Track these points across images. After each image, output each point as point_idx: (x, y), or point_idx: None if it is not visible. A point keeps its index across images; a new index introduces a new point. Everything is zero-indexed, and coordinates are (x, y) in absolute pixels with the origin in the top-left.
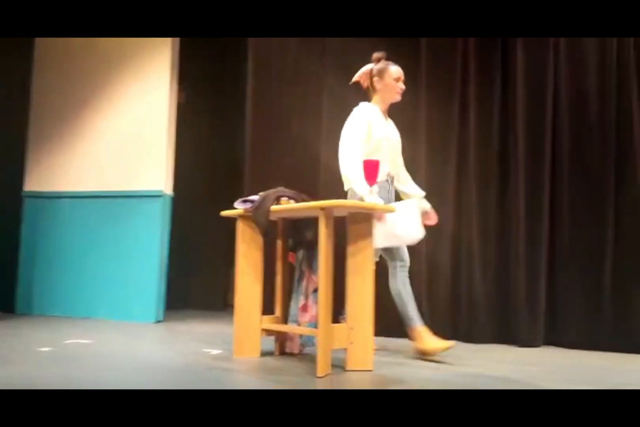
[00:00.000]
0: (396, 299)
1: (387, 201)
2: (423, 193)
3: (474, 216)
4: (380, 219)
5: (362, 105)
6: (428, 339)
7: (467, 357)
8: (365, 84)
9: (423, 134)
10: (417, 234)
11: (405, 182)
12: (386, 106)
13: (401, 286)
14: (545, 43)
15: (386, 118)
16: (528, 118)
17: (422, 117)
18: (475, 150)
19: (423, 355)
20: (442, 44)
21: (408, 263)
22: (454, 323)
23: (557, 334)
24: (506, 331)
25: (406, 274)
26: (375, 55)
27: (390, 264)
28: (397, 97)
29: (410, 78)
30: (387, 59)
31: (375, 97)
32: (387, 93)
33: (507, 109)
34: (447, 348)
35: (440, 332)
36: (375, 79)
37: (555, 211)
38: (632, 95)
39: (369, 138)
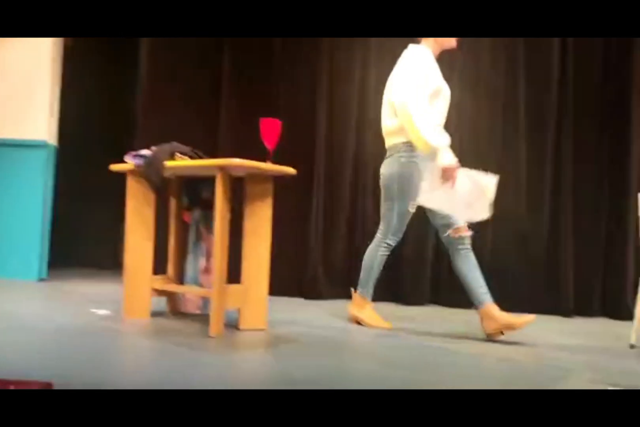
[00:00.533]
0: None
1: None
2: None
3: None
4: (449, 178)
5: (415, 49)
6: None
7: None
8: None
9: None
10: (482, 212)
11: None
12: (439, 52)
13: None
14: None
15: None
16: None
17: None
18: None
19: (506, 329)
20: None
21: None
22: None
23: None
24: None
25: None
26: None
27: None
28: (454, 43)
29: None
30: None
31: (428, 40)
32: (446, 41)
33: None
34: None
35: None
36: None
37: None
38: None
39: (426, 86)
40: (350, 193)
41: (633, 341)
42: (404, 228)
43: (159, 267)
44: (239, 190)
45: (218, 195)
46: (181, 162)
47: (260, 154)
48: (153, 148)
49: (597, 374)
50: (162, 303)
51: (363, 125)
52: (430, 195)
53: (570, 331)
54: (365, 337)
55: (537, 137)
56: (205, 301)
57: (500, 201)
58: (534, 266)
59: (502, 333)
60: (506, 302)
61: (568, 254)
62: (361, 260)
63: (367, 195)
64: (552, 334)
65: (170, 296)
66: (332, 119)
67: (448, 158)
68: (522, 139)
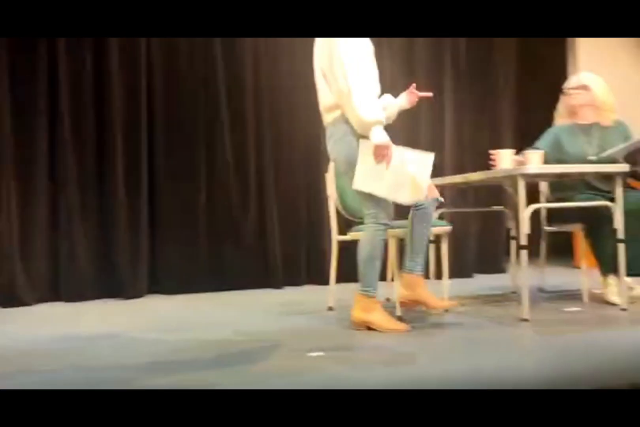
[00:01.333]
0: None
1: None
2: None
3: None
4: (382, 158)
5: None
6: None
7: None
8: None
9: None
10: (415, 193)
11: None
12: None
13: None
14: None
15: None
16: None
17: None
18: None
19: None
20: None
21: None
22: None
23: (160, 284)
24: (110, 285)
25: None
26: None
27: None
28: None
29: None
30: None
31: None
32: None
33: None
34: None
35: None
36: None
37: (154, 174)
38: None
39: None
40: None
41: (331, 303)
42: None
43: None
44: None
45: None
46: None
47: None
48: None
49: (300, 341)
50: None
51: None
52: (364, 178)
53: (281, 302)
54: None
55: None
56: None
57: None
58: (245, 246)
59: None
60: (223, 281)
61: (274, 232)
62: None
63: None
64: (266, 307)
65: None
66: None
67: (380, 135)
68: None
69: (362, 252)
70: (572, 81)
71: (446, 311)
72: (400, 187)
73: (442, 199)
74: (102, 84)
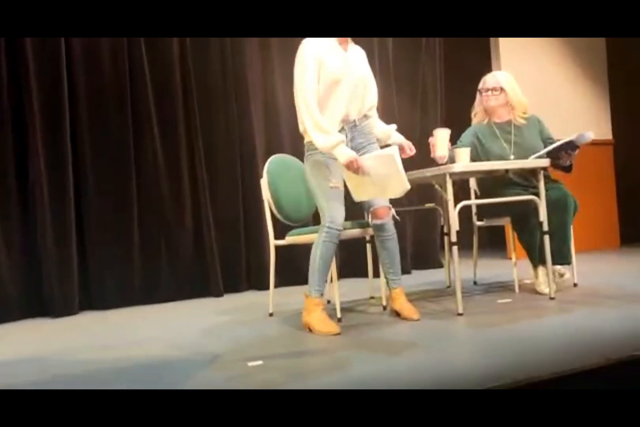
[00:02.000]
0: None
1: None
2: (393, 127)
3: None
4: (357, 171)
5: (304, 42)
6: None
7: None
8: None
9: None
10: (399, 186)
11: (374, 125)
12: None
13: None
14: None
15: (345, 49)
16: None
17: None
18: None
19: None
20: None
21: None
22: None
23: (92, 299)
24: (38, 303)
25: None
26: None
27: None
28: None
29: None
30: None
31: None
32: None
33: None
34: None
35: None
36: None
37: (81, 182)
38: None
39: (320, 78)
40: None
41: (271, 309)
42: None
43: None
44: None
45: None
46: None
47: None
48: None
49: (240, 350)
50: None
51: None
52: (357, 191)
53: (221, 310)
54: None
55: None
56: None
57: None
58: (181, 255)
59: None
60: (160, 292)
61: (212, 239)
62: None
63: None
64: (205, 317)
65: None
66: None
67: (343, 154)
68: None
69: (312, 254)
70: (488, 82)
71: (418, 320)
72: (387, 186)
73: (398, 218)
74: (19, 87)
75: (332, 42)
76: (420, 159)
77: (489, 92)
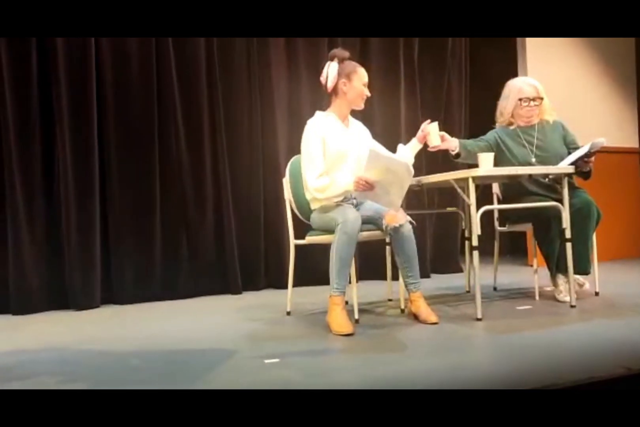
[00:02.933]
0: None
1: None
2: (408, 153)
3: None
4: (365, 189)
5: (315, 116)
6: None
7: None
8: (331, 86)
9: None
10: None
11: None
12: (348, 111)
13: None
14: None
15: (347, 125)
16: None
17: None
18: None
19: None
20: None
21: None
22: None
23: (113, 293)
24: (61, 296)
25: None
26: (340, 53)
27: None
28: (362, 104)
29: None
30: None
31: (337, 102)
32: (353, 98)
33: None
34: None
35: None
36: (342, 81)
37: (106, 176)
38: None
39: (325, 154)
40: None
41: (289, 308)
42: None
43: None
44: None
45: None
46: None
47: None
48: None
49: (257, 347)
50: None
51: None
52: (391, 199)
53: (239, 307)
54: None
55: None
56: None
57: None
58: (202, 252)
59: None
60: (180, 288)
61: (232, 237)
62: None
63: None
64: (223, 313)
65: None
66: None
67: (347, 185)
68: None
69: (331, 253)
70: (528, 91)
71: (436, 323)
72: (400, 185)
73: (414, 222)
74: (48, 85)
75: (333, 120)
76: (442, 163)
77: (531, 103)
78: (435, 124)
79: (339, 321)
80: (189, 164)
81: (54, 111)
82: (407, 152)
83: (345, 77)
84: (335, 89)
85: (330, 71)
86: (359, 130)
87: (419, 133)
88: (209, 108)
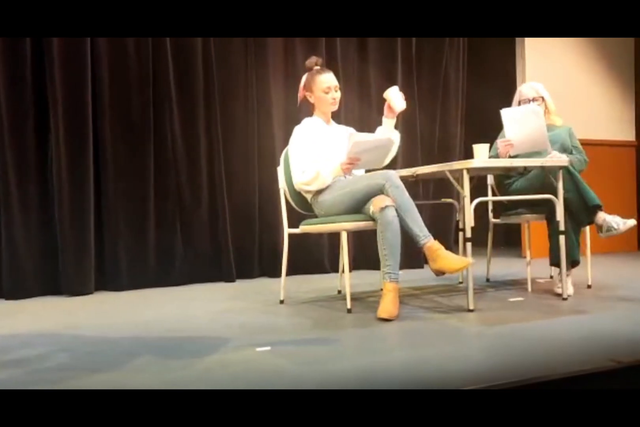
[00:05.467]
0: None
1: None
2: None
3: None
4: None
5: (302, 123)
6: None
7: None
8: (299, 100)
9: None
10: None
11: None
12: (328, 116)
13: None
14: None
15: (330, 125)
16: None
17: None
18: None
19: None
20: None
21: None
22: None
23: (107, 279)
24: (55, 281)
25: None
26: (308, 63)
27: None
28: (332, 108)
29: None
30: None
31: (316, 109)
32: (321, 105)
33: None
34: None
35: None
36: (307, 93)
37: (100, 162)
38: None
39: (315, 151)
40: None
41: (282, 297)
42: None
43: None
44: None
45: None
46: None
47: None
48: None
49: (249, 335)
50: None
51: None
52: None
53: (232, 295)
54: None
55: None
56: None
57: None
58: (196, 240)
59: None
60: (173, 275)
61: (226, 225)
62: None
63: None
64: (217, 301)
65: None
66: None
67: (334, 171)
68: None
69: (382, 238)
70: (527, 93)
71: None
72: (385, 151)
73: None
74: (43, 75)
75: (319, 122)
76: (438, 154)
77: (532, 103)
78: (395, 88)
79: (386, 308)
80: (184, 153)
81: (48, 99)
82: (385, 131)
83: (308, 89)
84: (306, 100)
85: (300, 85)
86: (341, 129)
87: (386, 109)
88: (205, 99)
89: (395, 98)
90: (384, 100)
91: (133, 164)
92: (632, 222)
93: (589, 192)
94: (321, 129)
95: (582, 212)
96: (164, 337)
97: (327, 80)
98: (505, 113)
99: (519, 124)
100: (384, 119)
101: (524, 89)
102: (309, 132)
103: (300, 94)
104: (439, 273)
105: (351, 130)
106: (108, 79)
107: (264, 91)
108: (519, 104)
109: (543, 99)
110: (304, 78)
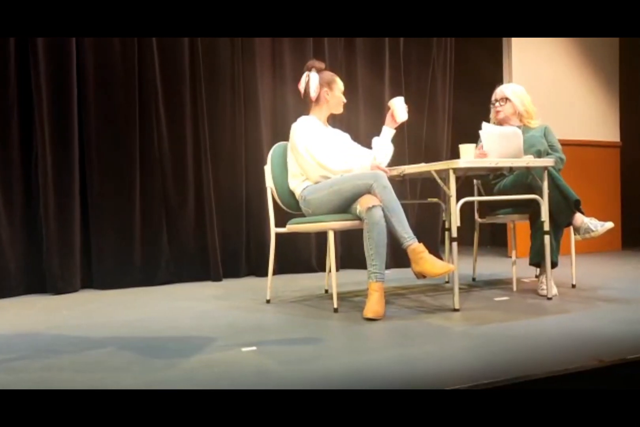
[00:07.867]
0: None
1: None
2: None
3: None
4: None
5: (301, 120)
6: None
7: None
8: (314, 95)
9: None
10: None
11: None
12: (327, 116)
13: None
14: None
15: (327, 126)
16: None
17: None
18: None
19: None
20: None
21: None
22: None
23: (93, 277)
24: (37, 280)
25: None
26: (318, 64)
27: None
28: (341, 109)
29: None
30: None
31: (317, 108)
32: (334, 105)
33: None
34: None
35: None
36: (324, 89)
37: (85, 160)
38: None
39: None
40: None
41: (268, 296)
42: None
43: None
44: None
45: None
46: None
47: None
48: None
49: (235, 335)
50: None
51: None
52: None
53: (219, 295)
54: None
55: None
56: None
57: None
58: (183, 238)
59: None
60: (160, 274)
61: (213, 224)
62: None
63: None
64: (203, 300)
65: None
66: None
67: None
68: None
69: (369, 237)
70: (496, 94)
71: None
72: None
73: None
74: (27, 71)
75: (317, 122)
76: (425, 154)
77: (497, 104)
78: (400, 99)
79: (373, 308)
80: (170, 152)
81: (32, 95)
82: (382, 141)
83: (327, 86)
84: (317, 97)
85: (312, 81)
86: (340, 134)
87: (388, 117)
88: (191, 97)
89: (399, 108)
90: (388, 108)
91: (119, 162)
92: (609, 224)
93: (569, 190)
94: (321, 129)
95: (562, 212)
96: (149, 336)
97: (342, 84)
98: (485, 127)
99: (496, 143)
100: (385, 128)
101: (495, 92)
102: (314, 128)
103: (315, 91)
104: (420, 276)
105: (347, 135)
106: (93, 78)
107: (251, 90)
108: (491, 106)
109: (507, 100)
110: (316, 75)
